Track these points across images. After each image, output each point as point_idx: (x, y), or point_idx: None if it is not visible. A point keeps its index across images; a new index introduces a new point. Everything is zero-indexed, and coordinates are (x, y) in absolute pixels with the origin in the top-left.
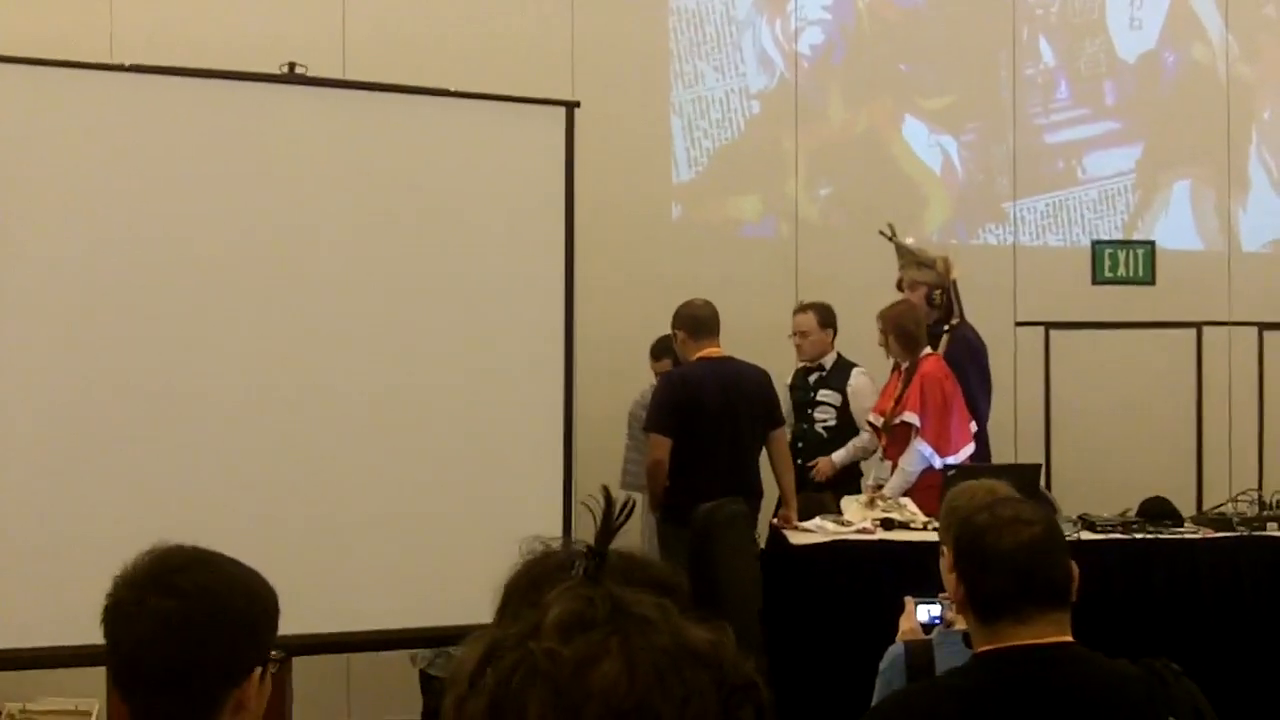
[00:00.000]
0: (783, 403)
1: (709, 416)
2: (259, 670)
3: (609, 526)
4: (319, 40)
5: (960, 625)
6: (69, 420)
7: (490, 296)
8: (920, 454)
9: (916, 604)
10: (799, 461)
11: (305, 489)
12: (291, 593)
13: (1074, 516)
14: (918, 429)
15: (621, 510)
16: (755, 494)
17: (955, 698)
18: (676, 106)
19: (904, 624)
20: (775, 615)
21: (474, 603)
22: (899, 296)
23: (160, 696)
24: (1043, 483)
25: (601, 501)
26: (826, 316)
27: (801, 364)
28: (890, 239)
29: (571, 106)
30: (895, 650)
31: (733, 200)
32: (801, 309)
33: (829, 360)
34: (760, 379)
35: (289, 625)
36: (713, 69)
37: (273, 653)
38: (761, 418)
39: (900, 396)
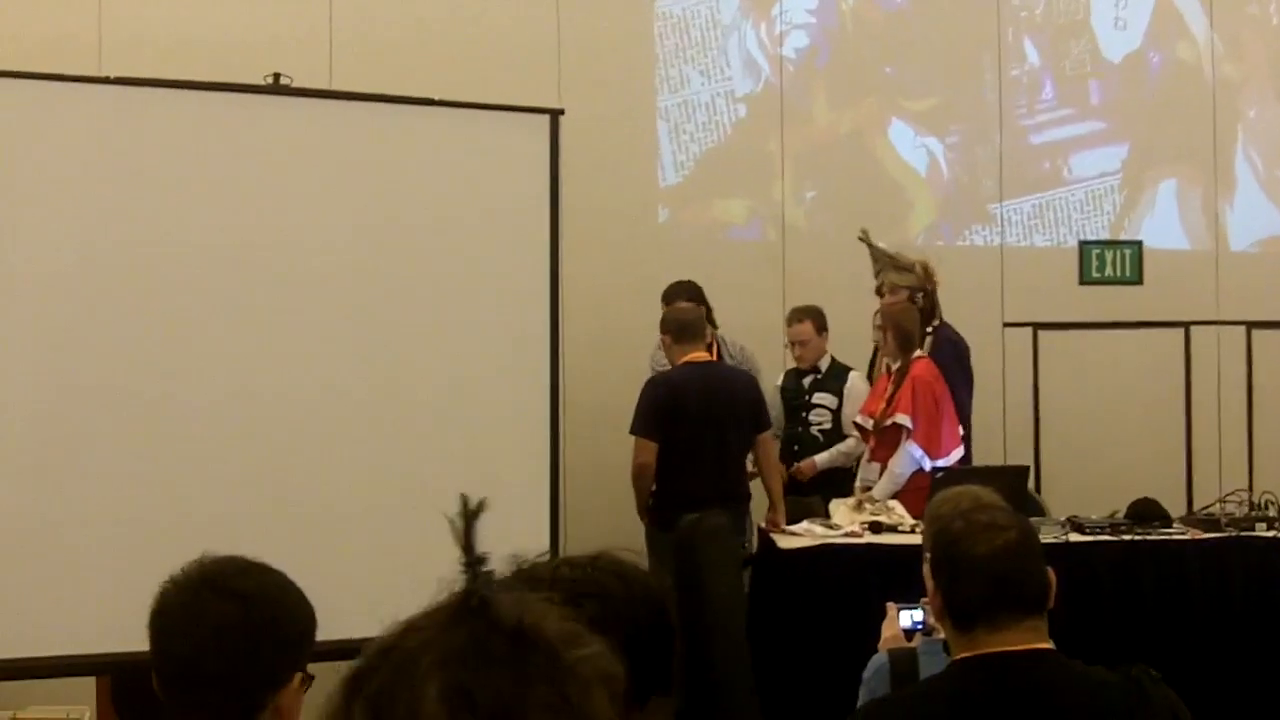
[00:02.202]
0: (774, 405)
1: (693, 420)
2: (299, 677)
3: (471, 543)
4: (306, 48)
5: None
6: (56, 429)
7: (476, 302)
8: (911, 456)
9: (899, 609)
10: (793, 464)
11: (288, 498)
12: None
13: (1062, 518)
14: (909, 431)
15: (476, 510)
16: (742, 498)
17: (930, 705)
18: (663, 110)
19: (886, 630)
20: (764, 619)
21: None
22: (885, 299)
23: (211, 696)
24: (1031, 484)
25: (460, 513)
26: (821, 321)
27: (799, 367)
28: (867, 243)
29: (556, 114)
30: (879, 659)
31: (719, 203)
32: (797, 318)
33: (824, 363)
34: (746, 382)
35: None
36: (698, 73)
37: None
38: (747, 421)
39: (891, 398)
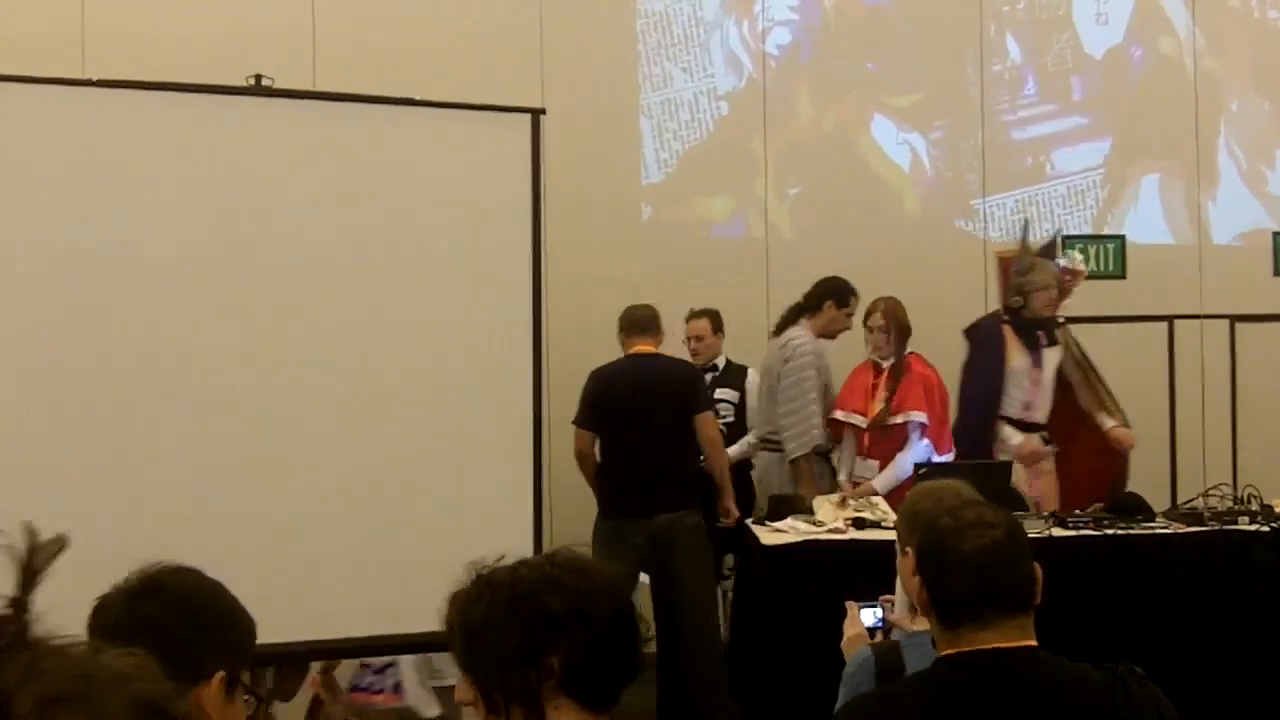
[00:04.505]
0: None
1: (622, 409)
2: (221, 676)
3: (31, 576)
4: (289, 48)
5: (910, 627)
6: (39, 427)
7: (459, 300)
8: (923, 452)
9: (860, 608)
10: (702, 458)
11: (271, 496)
12: (257, 599)
13: (1046, 513)
14: (925, 427)
15: (51, 550)
16: (685, 480)
17: (915, 702)
18: (645, 108)
19: (849, 629)
20: (747, 615)
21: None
22: (873, 296)
23: None
24: (1017, 480)
25: (23, 542)
26: (718, 322)
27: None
28: (1024, 236)
29: (537, 114)
30: (863, 654)
31: (702, 201)
32: (695, 315)
33: (720, 361)
34: (680, 369)
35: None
36: (681, 70)
37: (249, 678)
38: (677, 405)
39: (892, 395)
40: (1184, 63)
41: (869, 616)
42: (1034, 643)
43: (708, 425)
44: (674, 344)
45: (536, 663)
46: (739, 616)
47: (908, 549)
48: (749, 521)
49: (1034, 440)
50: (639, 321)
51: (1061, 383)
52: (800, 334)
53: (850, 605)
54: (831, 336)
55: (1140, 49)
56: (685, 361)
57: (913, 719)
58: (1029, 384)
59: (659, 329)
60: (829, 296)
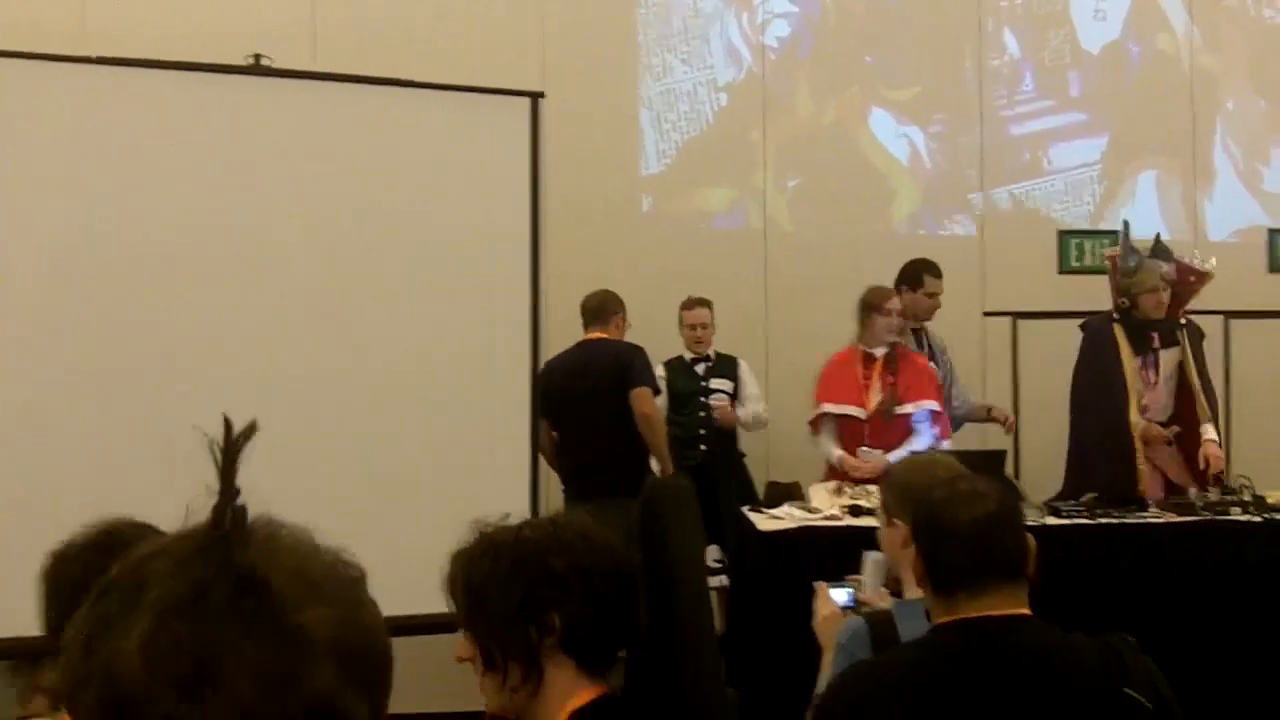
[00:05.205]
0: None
1: (560, 395)
2: None
3: (230, 472)
4: (290, 32)
5: (880, 605)
6: (38, 411)
7: (457, 288)
8: (932, 439)
9: (830, 588)
10: (702, 447)
11: (268, 481)
12: None
13: (1040, 503)
14: (937, 414)
15: (242, 435)
16: (631, 461)
17: (912, 670)
18: (645, 99)
19: (822, 609)
20: (743, 600)
21: (438, 592)
22: (865, 288)
23: None
24: (1011, 471)
25: (222, 436)
26: (712, 311)
27: (690, 356)
28: (1125, 234)
29: (536, 97)
30: (855, 623)
31: (702, 192)
32: (698, 303)
33: (711, 351)
34: (618, 349)
35: None
36: (681, 62)
37: None
38: (612, 384)
39: (894, 384)
40: (1181, 60)
41: (841, 595)
42: (1028, 611)
43: (641, 401)
44: (664, 331)
45: (538, 620)
46: (735, 603)
47: (897, 521)
48: (745, 509)
49: (1154, 426)
50: (587, 310)
51: (1181, 383)
52: None
53: (819, 586)
54: (927, 317)
55: (1137, 46)
56: (626, 342)
57: (909, 686)
58: (1143, 386)
59: (610, 314)
60: (902, 282)
